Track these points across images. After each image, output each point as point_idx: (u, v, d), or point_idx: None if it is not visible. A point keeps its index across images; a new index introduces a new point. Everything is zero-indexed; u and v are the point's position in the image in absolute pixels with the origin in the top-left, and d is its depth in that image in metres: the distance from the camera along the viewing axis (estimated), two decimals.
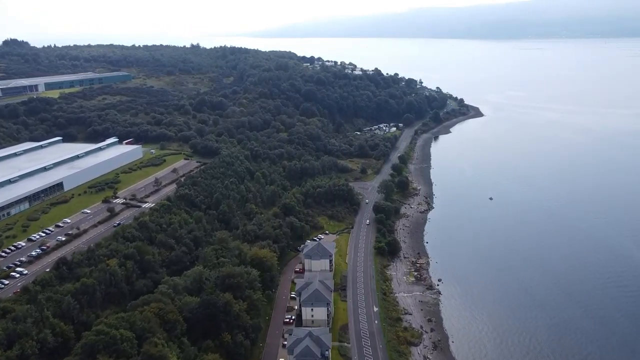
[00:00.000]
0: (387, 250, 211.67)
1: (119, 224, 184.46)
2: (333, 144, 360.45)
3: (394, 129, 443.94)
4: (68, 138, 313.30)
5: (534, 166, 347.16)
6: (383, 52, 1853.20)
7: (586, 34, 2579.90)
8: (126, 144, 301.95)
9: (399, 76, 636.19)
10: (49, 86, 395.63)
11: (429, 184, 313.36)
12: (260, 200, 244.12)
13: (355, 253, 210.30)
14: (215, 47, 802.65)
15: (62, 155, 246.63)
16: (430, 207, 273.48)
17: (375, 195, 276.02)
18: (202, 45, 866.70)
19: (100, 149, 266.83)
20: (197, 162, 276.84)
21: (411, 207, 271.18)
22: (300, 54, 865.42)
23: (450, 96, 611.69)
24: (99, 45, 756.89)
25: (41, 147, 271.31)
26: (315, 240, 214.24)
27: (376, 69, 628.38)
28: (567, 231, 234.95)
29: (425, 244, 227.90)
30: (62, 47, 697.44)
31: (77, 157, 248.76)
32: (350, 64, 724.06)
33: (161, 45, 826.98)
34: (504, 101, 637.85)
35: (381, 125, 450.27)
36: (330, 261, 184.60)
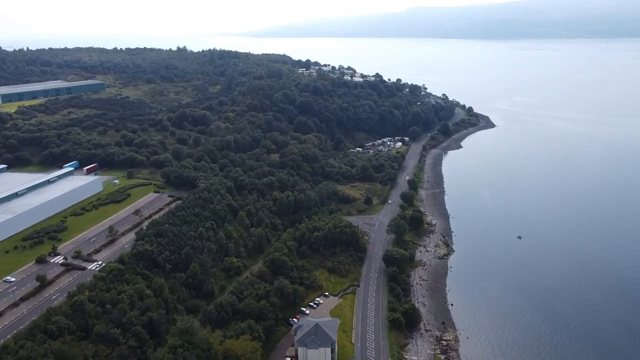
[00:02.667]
0: (404, 322, 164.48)
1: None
2: (332, 165, 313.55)
3: (400, 144, 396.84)
4: (20, 162, 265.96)
5: (564, 191, 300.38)
6: (382, 53, 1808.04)
7: (586, 34, 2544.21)
8: (87, 170, 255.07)
9: (402, 82, 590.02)
10: (6, 98, 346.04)
11: (444, 216, 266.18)
12: (244, 248, 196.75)
13: (363, 327, 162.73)
14: (202, 51, 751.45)
15: None
16: (449, 250, 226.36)
17: (383, 237, 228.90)
18: (189, 47, 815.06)
19: (49, 181, 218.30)
20: (169, 196, 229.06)
21: (427, 251, 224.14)
22: (295, 55, 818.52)
23: (458, 104, 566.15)
24: (76, 49, 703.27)
25: None
26: (312, 307, 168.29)
27: (377, 74, 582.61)
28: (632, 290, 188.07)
29: (449, 307, 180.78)
30: (36, 50, 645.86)
31: (16, 195, 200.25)
32: (349, 68, 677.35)
33: (145, 48, 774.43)
34: (514, 108, 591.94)
35: (385, 140, 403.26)
36: (332, 349, 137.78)
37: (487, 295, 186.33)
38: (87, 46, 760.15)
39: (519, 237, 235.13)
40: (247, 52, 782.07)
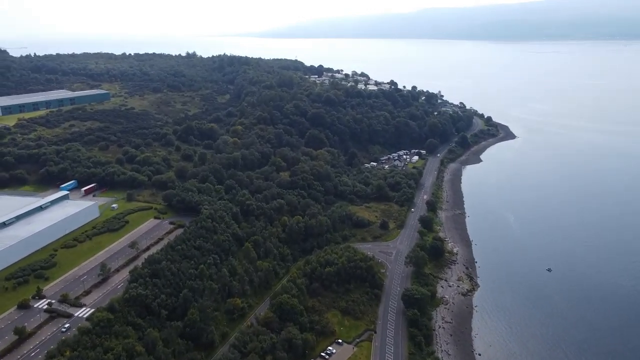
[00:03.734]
0: None
1: None
2: (345, 183, 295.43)
3: (416, 157, 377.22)
4: (15, 181, 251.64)
5: (596, 216, 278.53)
6: (394, 55, 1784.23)
7: (602, 36, 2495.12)
8: (85, 191, 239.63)
9: (418, 89, 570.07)
10: (6, 110, 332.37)
11: (466, 242, 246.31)
12: (250, 285, 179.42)
13: None
14: (212, 56, 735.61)
15: None
16: (474, 284, 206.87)
17: (401, 269, 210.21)
18: (200, 51, 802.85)
19: (41, 208, 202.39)
20: (170, 222, 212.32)
21: (450, 286, 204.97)
22: (307, 58, 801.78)
23: (476, 112, 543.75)
24: (84, 54, 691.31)
25: None
26: (324, 358, 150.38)
27: (392, 82, 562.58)
28: None
29: (477, 357, 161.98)
30: (43, 56, 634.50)
31: (4, 225, 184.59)
32: (363, 74, 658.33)
33: (154, 53, 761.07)
34: (533, 117, 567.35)
35: (401, 154, 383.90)
36: None
37: (519, 342, 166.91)
38: (98, 44, 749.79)
39: (549, 270, 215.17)
40: (258, 57, 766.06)
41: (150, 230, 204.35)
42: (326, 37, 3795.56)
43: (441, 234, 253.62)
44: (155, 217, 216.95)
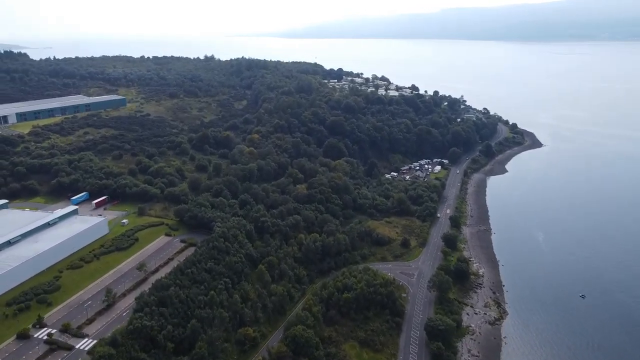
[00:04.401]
0: None
1: None
2: (365, 196, 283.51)
3: (439, 167, 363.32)
4: (27, 193, 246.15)
5: (634, 232, 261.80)
6: (416, 56, 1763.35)
7: (631, 36, 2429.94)
8: (96, 204, 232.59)
9: (440, 93, 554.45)
10: (21, 117, 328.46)
11: (493, 263, 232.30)
12: (263, 312, 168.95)
13: None
14: (230, 60, 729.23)
15: None
16: (502, 311, 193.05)
17: (424, 293, 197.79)
18: (217, 54, 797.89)
19: (48, 224, 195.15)
20: (181, 241, 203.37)
21: (476, 313, 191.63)
22: (326, 61, 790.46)
23: (500, 119, 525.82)
24: (103, 58, 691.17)
25: None
26: None
27: (414, 86, 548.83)
28: None
29: None
30: (63, 59, 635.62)
31: (9, 243, 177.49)
32: (383, 78, 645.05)
33: (172, 57, 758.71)
34: (561, 123, 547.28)
35: (423, 163, 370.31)
36: None
37: None
38: (117, 44, 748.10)
39: (583, 297, 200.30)
40: (277, 60, 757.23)
41: (160, 249, 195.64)
42: (346, 38, 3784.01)
43: (465, 253, 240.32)
44: (166, 234, 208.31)
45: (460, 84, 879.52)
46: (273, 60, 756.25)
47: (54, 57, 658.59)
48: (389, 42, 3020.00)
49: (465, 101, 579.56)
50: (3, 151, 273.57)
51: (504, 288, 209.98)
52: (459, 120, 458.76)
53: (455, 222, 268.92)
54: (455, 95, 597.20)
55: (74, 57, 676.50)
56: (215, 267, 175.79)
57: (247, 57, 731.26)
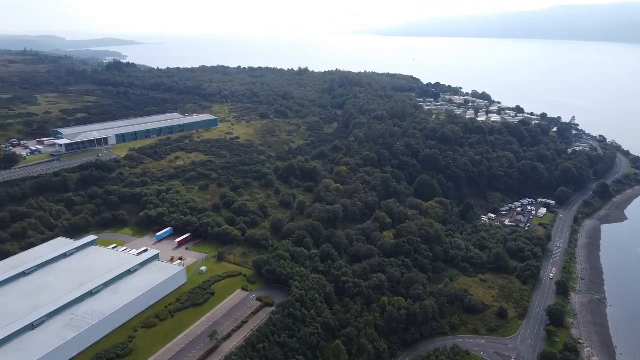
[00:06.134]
0: None
1: None
2: (458, 245, 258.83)
3: (544, 210, 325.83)
4: (116, 223, 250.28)
5: None
6: (520, 61, 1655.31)
7: None
8: (179, 242, 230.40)
9: (548, 116, 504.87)
10: (120, 138, 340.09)
11: (608, 349, 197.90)
12: None
13: None
14: (324, 72, 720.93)
15: (70, 288, 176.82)
16: None
17: None
18: (311, 55, 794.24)
19: (130, 272, 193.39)
20: (257, 299, 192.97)
21: None
22: (424, 62, 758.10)
23: (619, 148, 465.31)
24: (202, 68, 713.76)
25: (65, 255, 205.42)
26: None
27: (518, 107, 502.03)
28: None
29: None
30: (166, 69, 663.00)
31: (90, 294, 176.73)
32: (484, 95, 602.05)
33: (267, 68, 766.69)
34: None
35: (525, 204, 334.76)
36: None
37: None
38: (217, 65, 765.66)
39: None
40: (371, 72, 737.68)
41: (235, 308, 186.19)
42: (447, 37, 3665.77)
43: (574, 332, 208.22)
44: (243, 288, 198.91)
45: (571, 99, 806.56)
46: (367, 72, 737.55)
47: (158, 67, 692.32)
48: (493, 42, 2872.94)
49: (577, 125, 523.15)
50: (100, 178, 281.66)
51: None
52: (569, 151, 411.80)
53: (563, 287, 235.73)
54: (566, 115, 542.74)
55: (175, 67, 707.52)
56: (289, 341, 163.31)
57: (341, 70, 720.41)
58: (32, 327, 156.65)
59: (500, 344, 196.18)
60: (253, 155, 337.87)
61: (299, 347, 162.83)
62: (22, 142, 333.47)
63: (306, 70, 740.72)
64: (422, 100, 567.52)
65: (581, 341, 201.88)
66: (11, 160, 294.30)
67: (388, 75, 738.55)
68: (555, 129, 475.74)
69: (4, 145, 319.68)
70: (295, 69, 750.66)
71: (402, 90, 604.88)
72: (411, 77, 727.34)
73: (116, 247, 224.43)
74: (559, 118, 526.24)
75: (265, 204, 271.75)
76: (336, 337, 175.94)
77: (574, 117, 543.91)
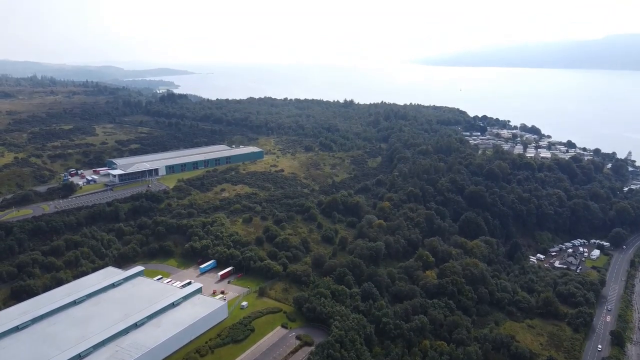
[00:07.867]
0: None
1: None
2: (504, 288, 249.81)
3: (597, 252, 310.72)
4: (163, 254, 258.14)
5: None
6: (572, 91, 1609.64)
7: None
8: (221, 276, 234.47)
9: (602, 151, 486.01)
10: (170, 169, 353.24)
11: None
12: None
13: None
14: (369, 105, 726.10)
15: (117, 319, 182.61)
16: None
17: None
18: (359, 86, 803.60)
19: (173, 305, 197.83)
20: (296, 337, 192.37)
21: None
22: (472, 94, 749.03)
23: None
24: (249, 100, 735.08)
25: (113, 285, 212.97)
26: None
27: (569, 142, 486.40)
28: None
29: None
30: (215, 100, 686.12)
31: (135, 326, 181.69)
32: (533, 128, 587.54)
33: (312, 100, 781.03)
34: None
35: (577, 244, 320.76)
36: None
37: None
38: (266, 96, 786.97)
39: None
40: (417, 104, 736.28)
41: (275, 346, 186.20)
42: (495, 66, 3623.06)
43: None
44: (282, 326, 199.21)
45: (628, 132, 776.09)
46: (413, 104, 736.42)
47: (208, 98, 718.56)
48: (542, 71, 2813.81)
49: (634, 161, 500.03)
50: (149, 208, 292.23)
51: None
52: (625, 189, 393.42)
53: (618, 337, 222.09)
54: (621, 150, 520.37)
55: (224, 99, 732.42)
56: None
57: (386, 102, 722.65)
58: (79, 357, 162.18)
59: None
60: (297, 189, 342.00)
61: None
62: (79, 172, 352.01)
63: (352, 102, 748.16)
64: (468, 134, 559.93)
65: None
66: (69, 189, 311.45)
67: (434, 107, 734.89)
68: (609, 165, 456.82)
69: (64, 175, 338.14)
70: (341, 100, 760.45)
71: (448, 124, 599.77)
72: (457, 109, 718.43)
73: (161, 278, 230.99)
74: (614, 154, 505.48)
75: (307, 238, 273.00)
76: None
77: (630, 153, 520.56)
